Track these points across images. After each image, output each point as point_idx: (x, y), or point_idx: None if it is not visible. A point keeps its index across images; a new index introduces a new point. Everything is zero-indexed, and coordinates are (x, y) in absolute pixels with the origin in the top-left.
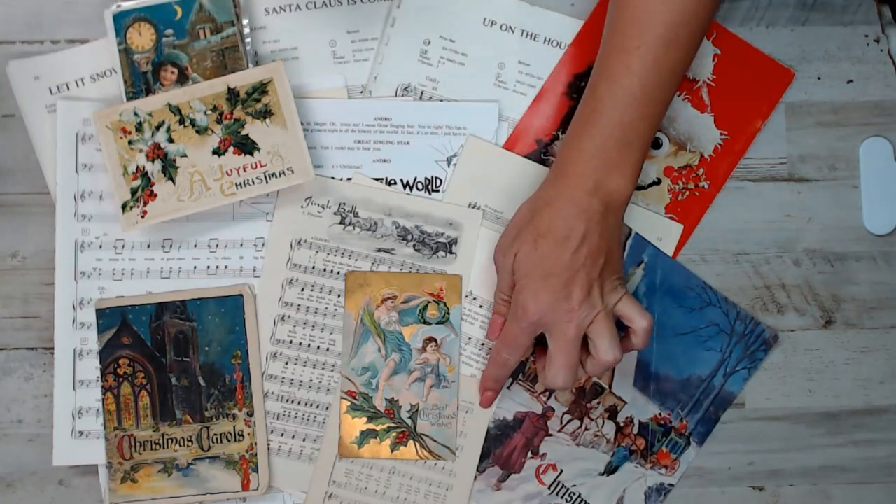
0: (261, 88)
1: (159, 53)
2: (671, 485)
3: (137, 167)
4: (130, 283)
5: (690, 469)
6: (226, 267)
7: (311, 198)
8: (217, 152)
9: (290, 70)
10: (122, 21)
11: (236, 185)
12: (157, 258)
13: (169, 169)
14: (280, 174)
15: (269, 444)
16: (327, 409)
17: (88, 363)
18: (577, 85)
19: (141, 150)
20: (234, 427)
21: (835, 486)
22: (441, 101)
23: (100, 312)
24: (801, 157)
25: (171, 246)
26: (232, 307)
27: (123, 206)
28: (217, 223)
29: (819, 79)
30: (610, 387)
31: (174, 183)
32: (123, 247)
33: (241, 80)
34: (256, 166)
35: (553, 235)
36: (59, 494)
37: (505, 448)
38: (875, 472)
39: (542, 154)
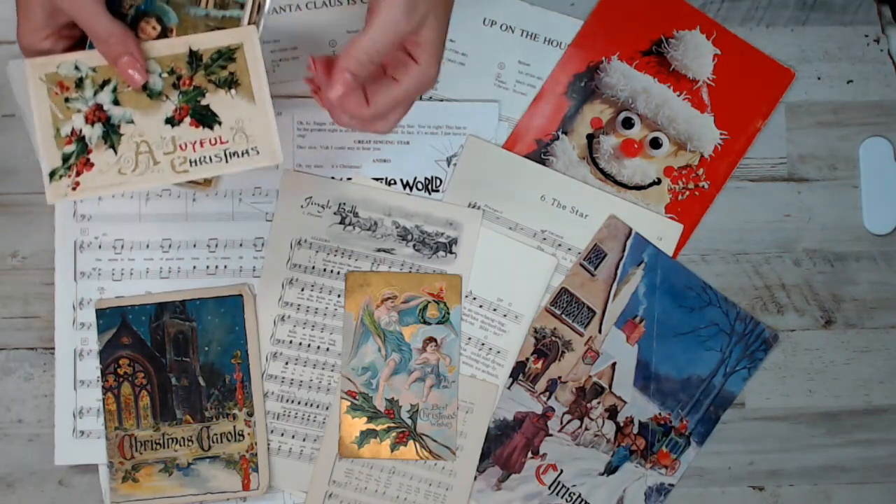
0: (227, 54)
1: (149, 1)
2: (671, 485)
3: (73, 130)
4: (130, 283)
5: (690, 469)
6: (225, 267)
7: (311, 198)
8: (171, 122)
9: (289, 70)
10: None
11: (190, 162)
12: (157, 258)
13: (111, 136)
14: (243, 153)
15: (269, 444)
16: (327, 409)
17: (89, 363)
18: (577, 85)
19: (79, 111)
20: (235, 427)
21: (835, 486)
22: (441, 101)
23: (100, 312)
24: (801, 157)
25: (170, 246)
26: (232, 307)
27: (52, 175)
28: (217, 223)
29: (819, 79)
30: (610, 387)
31: (115, 152)
32: (123, 247)
33: (206, 41)
34: (216, 142)
35: None
36: (60, 494)
37: (505, 448)
38: (875, 472)
39: (542, 154)
